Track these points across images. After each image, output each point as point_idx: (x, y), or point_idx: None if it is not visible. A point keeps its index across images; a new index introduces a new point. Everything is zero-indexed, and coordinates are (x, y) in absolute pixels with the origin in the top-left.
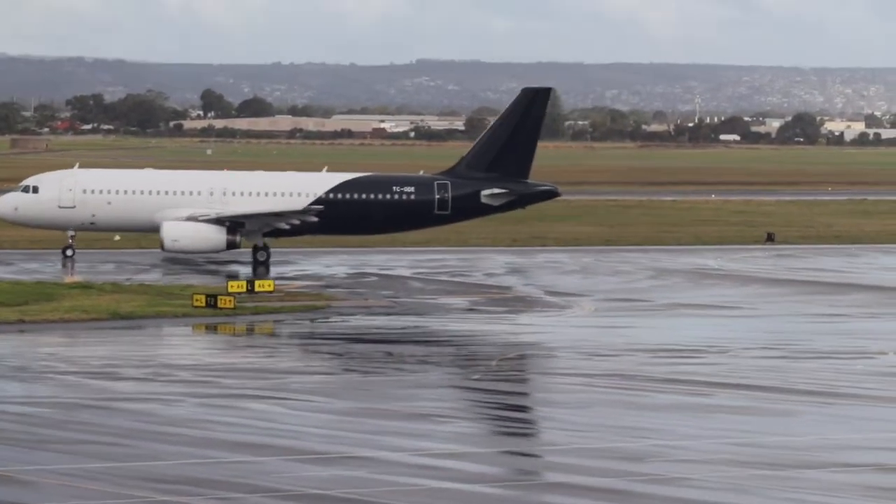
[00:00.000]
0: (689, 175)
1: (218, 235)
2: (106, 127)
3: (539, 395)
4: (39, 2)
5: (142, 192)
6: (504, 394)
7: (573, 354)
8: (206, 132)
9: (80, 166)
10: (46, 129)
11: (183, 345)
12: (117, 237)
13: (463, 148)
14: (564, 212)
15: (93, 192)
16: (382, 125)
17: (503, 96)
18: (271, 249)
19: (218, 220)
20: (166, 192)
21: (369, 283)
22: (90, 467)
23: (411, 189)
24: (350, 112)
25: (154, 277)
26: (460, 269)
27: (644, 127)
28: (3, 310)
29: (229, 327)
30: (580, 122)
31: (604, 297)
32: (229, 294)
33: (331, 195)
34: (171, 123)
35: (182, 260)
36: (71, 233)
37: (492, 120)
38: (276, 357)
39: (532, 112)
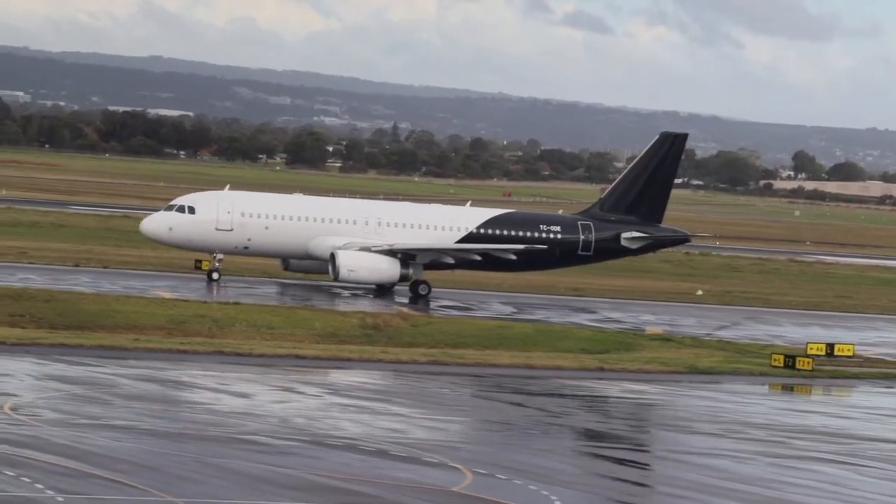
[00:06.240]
0: None
1: (392, 267)
2: (696, 182)
3: None
4: (627, 54)
5: (298, 219)
6: None
7: None
8: (796, 193)
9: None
10: None
11: (758, 403)
12: (700, 292)
13: None
14: None
15: (251, 215)
16: None
17: None
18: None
19: (391, 252)
20: (322, 220)
21: None
22: None
23: (558, 228)
24: None
25: (732, 334)
26: None
27: None
28: (585, 357)
29: (807, 388)
30: None
31: None
32: (808, 356)
33: (481, 230)
34: (761, 182)
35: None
36: (219, 256)
37: None
38: (853, 421)
39: (668, 157)
